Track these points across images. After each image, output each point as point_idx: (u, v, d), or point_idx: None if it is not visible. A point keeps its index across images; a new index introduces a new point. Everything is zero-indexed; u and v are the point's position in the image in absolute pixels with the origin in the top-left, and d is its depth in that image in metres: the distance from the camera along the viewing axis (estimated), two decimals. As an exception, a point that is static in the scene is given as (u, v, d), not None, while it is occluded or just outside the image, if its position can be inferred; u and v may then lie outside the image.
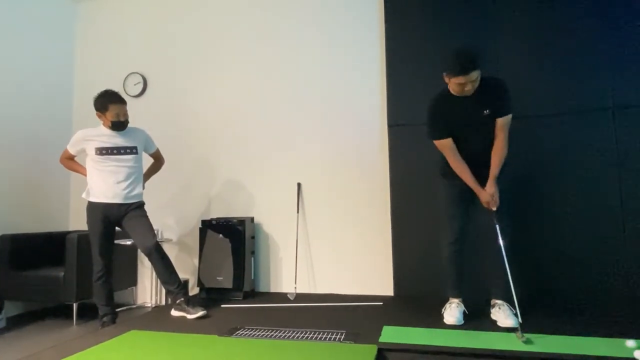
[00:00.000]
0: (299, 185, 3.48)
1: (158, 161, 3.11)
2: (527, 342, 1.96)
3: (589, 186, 2.80)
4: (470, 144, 2.34)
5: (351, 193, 3.36)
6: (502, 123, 2.30)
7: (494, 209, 2.28)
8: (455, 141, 2.35)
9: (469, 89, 2.20)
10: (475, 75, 2.16)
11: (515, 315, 2.20)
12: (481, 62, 2.16)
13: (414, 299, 2.95)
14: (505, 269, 2.20)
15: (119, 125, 2.77)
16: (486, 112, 2.27)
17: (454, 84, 2.22)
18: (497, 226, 2.25)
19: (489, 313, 2.39)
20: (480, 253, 2.42)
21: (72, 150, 2.85)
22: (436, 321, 2.35)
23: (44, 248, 3.51)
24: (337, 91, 3.46)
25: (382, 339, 2.06)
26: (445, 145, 2.36)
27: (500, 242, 2.23)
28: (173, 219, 3.77)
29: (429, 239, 3.02)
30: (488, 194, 2.28)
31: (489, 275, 2.37)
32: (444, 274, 2.50)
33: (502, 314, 2.24)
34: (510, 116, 2.30)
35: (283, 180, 3.52)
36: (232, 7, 3.78)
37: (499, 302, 2.32)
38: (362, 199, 3.33)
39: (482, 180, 2.32)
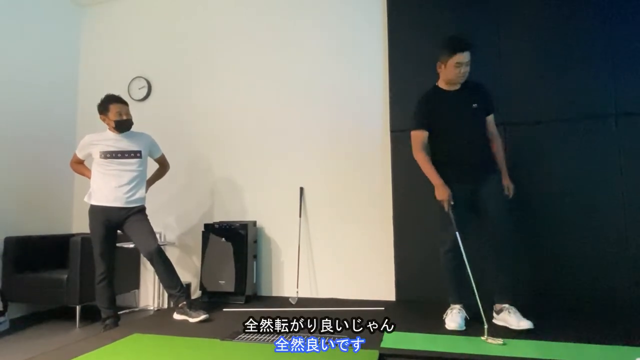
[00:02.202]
0: (301, 189, 3.49)
1: (163, 166, 3.13)
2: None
3: (591, 192, 2.80)
4: (460, 136, 2.41)
5: (353, 198, 3.36)
6: (493, 120, 2.52)
7: (452, 203, 2.32)
8: (445, 134, 2.43)
9: (464, 71, 2.36)
10: (469, 57, 2.33)
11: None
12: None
13: (415, 304, 2.95)
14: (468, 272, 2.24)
15: (123, 125, 2.79)
16: (475, 105, 2.41)
17: (450, 67, 2.36)
18: (457, 233, 2.29)
19: (493, 318, 2.38)
20: (480, 258, 2.42)
21: (79, 154, 2.90)
22: (438, 326, 2.35)
23: (47, 251, 3.54)
24: (340, 96, 3.48)
25: (383, 345, 2.06)
26: (419, 137, 2.45)
27: (460, 244, 2.27)
28: (175, 222, 3.79)
29: (431, 244, 3.01)
30: (449, 192, 2.33)
31: (494, 280, 2.37)
32: (444, 281, 2.50)
33: (514, 317, 2.25)
34: (493, 115, 2.51)
35: (286, 184, 3.53)
36: (235, 12, 3.81)
37: (506, 305, 2.32)
38: (365, 203, 3.33)
39: (470, 172, 2.38)
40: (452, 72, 2.37)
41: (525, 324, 2.19)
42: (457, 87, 2.45)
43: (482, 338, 2.08)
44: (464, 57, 2.32)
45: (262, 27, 3.73)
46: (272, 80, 3.66)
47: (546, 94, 2.94)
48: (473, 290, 2.21)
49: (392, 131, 3.25)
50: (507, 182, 2.47)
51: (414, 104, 2.53)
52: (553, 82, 2.93)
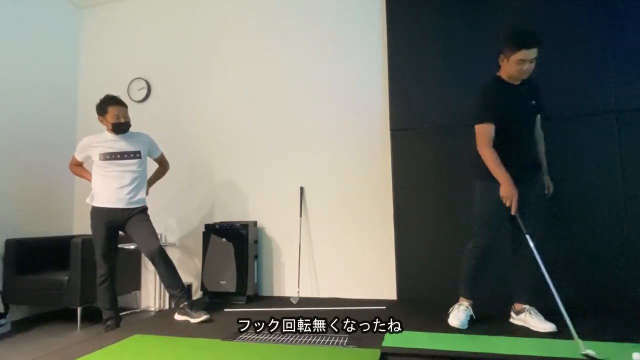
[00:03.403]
0: (301, 189, 3.49)
1: (162, 166, 3.13)
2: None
3: (592, 189, 2.79)
4: (520, 134, 2.31)
5: (354, 197, 3.36)
6: (539, 119, 2.42)
7: (515, 205, 2.17)
8: (507, 130, 2.28)
9: (526, 68, 2.21)
10: (535, 53, 2.17)
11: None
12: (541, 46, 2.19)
13: (417, 303, 2.94)
14: (544, 275, 2.11)
15: (120, 127, 2.79)
16: (533, 102, 2.33)
17: (512, 63, 2.21)
18: (528, 236, 2.15)
19: (503, 317, 2.37)
20: (502, 258, 2.40)
21: (78, 157, 2.90)
22: (440, 325, 2.34)
23: (48, 252, 3.53)
24: (340, 95, 3.47)
25: (385, 343, 2.05)
26: (487, 131, 2.26)
27: (532, 246, 2.14)
28: (176, 223, 3.78)
29: (432, 242, 3.02)
30: (515, 192, 2.18)
31: (517, 279, 2.34)
32: (462, 274, 2.42)
33: (537, 319, 2.23)
34: None
35: (286, 184, 3.53)
36: (235, 13, 3.81)
37: (526, 306, 2.30)
38: (365, 203, 3.32)
39: (523, 174, 2.28)
40: (513, 68, 2.22)
41: (549, 327, 2.17)
42: (518, 81, 2.31)
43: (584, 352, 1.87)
44: (530, 54, 2.15)
45: (261, 28, 3.72)
46: (271, 81, 3.66)
47: (546, 92, 2.91)
48: (551, 292, 2.07)
49: (392, 130, 3.24)
50: (548, 181, 2.43)
51: (477, 93, 2.34)
52: (553, 80, 2.91)
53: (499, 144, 2.27)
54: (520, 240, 2.30)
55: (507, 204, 2.20)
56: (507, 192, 2.19)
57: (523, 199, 2.24)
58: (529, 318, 2.26)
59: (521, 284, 2.33)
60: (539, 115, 2.43)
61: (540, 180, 2.40)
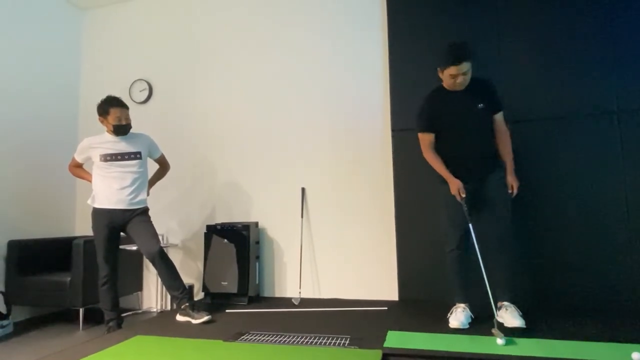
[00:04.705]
0: (303, 190, 3.49)
1: (163, 167, 3.13)
2: (509, 342, 2.01)
3: (593, 190, 2.79)
4: (465, 137, 2.41)
5: (355, 198, 3.36)
6: (501, 118, 2.48)
7: (464, 196, 2.33)
8: (449, 135, 2.44)
9: (460, 81, 2.34)
10: (466, 67, 2.30)
11: (521, 317, 2.24)
12: (472, 56, 2.31)
13: (419, 303, 2.95)
14: (480, 268, 2.25)
15: (121, 129, 2.79)
16: (480, 105, 2.39)
17: (446, 76, 2.36)
18: (471, 225, 2.31)
19: (496, 315, 2.37)
20: (485, 257, 2.41)
21: (78, 158, 2.90)
22: (441, 326, 2.34)
23: (50, 253, 3.54)
24: (341, 96, 3.47)
25: (386, 344, 2.05)
26: (427, 139, 2.48)
27: (473, 237, 2.28)
28: (178, 225, 3.79)
29: (434, 243, 3.01)
30: (460, 184, 2.34)
31: (495, 278, 2.37)
32: (449, 281, 2.50)
33: (509, 315, 2.24)
34: (502, 112, 2.48)
35: (287, 185, 3.53)
36: (235, 15, 3.81)
37: (505, 303, 2.33)
38: (366, 203, 3.33)
39: (473, 173, 2.40)
40: (448, 81, 2.38)
41: (516, 322, 2.18)
42: (459, 89, 2.42)
43: (493, 330, 2.10)
44: (460, 69, 2.28)
45: (262, 29, 3.73)
46: (272, 81, 3.66)
47: (547, 92, 2.93)
48: (485, 283, 2.22)
49: (393, 130, 3.25)
50: (511, 180, 2.42)
51: (419, 103, 2.52)
52: (554, 80, 2.92)
53: (443, 146, 2.46)
54: (491, 240, 2.38)
55: (458, 199, 2.34)
56: (452, 186, 2.36)
57: (479, 196, 2.40)
58: (503, 313, 2.29)
59: (498, 281, 2.36)
60: (498, 115, 2.47)
61: (500, 178, 2.41)
